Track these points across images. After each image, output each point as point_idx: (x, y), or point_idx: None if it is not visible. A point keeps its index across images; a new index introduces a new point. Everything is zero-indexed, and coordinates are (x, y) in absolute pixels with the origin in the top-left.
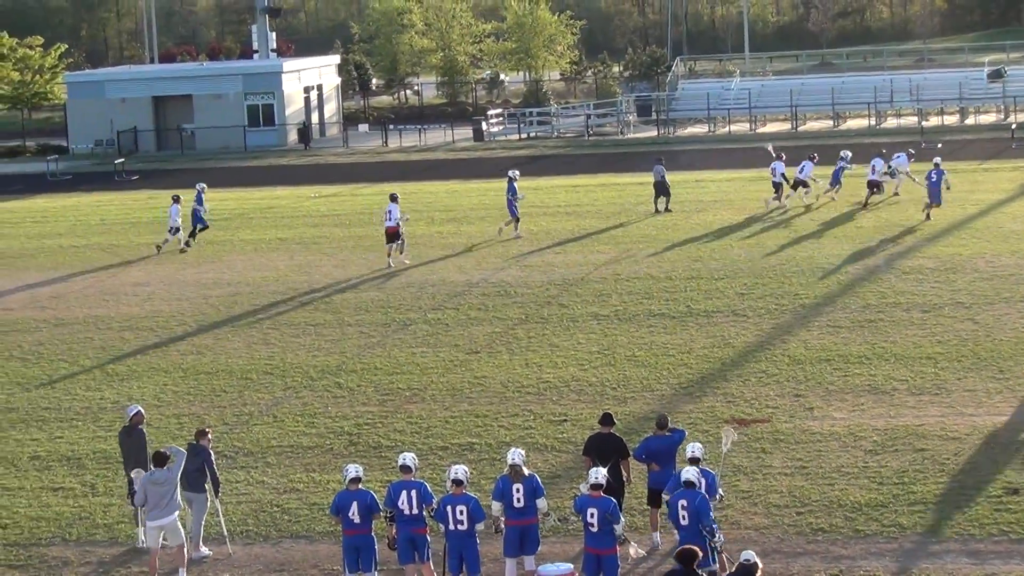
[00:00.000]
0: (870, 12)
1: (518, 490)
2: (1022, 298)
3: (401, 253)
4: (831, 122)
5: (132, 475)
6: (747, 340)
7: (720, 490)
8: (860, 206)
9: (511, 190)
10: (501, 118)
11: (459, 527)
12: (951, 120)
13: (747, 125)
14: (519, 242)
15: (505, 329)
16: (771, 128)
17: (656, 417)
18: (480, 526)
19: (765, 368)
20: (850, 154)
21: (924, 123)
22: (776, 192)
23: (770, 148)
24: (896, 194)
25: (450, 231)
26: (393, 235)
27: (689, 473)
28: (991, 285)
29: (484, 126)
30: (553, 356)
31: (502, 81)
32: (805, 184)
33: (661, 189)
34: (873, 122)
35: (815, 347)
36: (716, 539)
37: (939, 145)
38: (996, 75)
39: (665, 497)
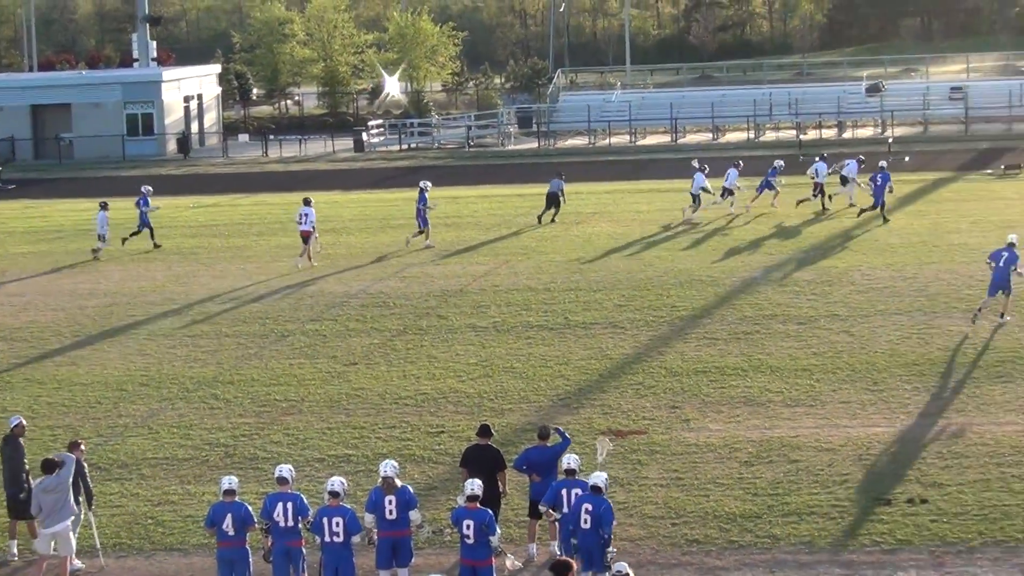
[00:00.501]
0: (750, 26)
1: (390, 502)
2: (897, 311)
3: (311, 258)
4: (711, 135)
5: (33, 485)
6: (624, 352)
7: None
8: (821, 211)
9: (422, 200)
10: (382, 129)
11: (335, 539)
12: (829, 134)
13: (627, 137)
14: (423, 252)
15: (383, 340)
16: (651, 140)
17: (537, 428)
18: (356, 538)
19: (642, 380)
20: (783, 163)
21: (802, 136)
22: (694, 203)
23: (695, 163)
24: (852, 204)
25: (328, 242)
26: (306, 238)
27: (597, 479)
28: (866, 298)
29: (365, 137)
30: (431, 367)
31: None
32: (731, 192)
33: (552, 201)
34: (752, 135)
35: (692, 359)
36: (610, 551)
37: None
38: (874, 89)
39: (542, 508)
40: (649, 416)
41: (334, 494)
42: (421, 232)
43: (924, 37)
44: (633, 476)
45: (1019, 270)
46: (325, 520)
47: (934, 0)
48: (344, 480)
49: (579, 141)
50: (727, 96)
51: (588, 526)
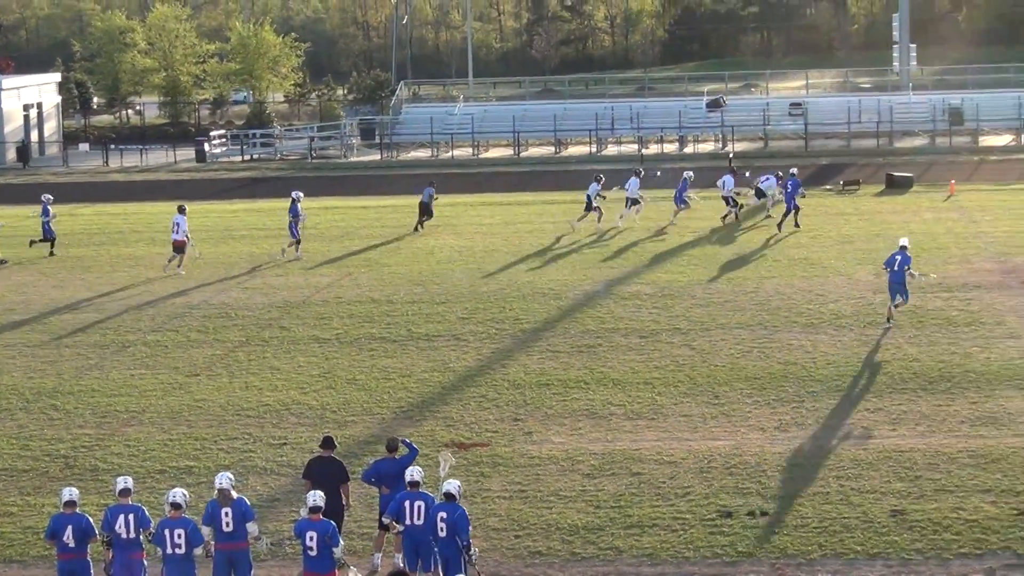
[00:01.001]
0: (592, 40)
1: (227, 514)
2: (737, 324)
3: (179, 265)
4: (553, 148)
5: None
6: (467, 364)
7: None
8: (724, 222)
9: (293, 211)
10: (224, 139)
11: (177, 551)
12: (671, 148)
13: (470, 150)
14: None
15: (226, 352)
16: (493, 154)
17: (385, 440)
18: (198, 550)
19: (485, 392)
20: (692, 175)
21: (644, 151)
22: (596, 213)
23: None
24: (769, 216)
25: (169, 253)
26: (180, 247)
27: (450, 486)
28: (707, 311)
29: (207, 147)
30: (273, 379)
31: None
32: (636, 202)
33: (424, 210)
34: (594, 149)
35: (535, 371)
36: (472, 553)
37: (658, 173)
38: (715, 104)
39: (386, 520)
40: (492, 428)
41: (176, 506)
42: (297, 242)
43: (764, 53)
44: (476, 488)
45: (912, 272)
46: (167, 532)
47: (774, 17)
48: (186, 492)
49: (422, 153)
50: (569, 110)
51: (444, 534)
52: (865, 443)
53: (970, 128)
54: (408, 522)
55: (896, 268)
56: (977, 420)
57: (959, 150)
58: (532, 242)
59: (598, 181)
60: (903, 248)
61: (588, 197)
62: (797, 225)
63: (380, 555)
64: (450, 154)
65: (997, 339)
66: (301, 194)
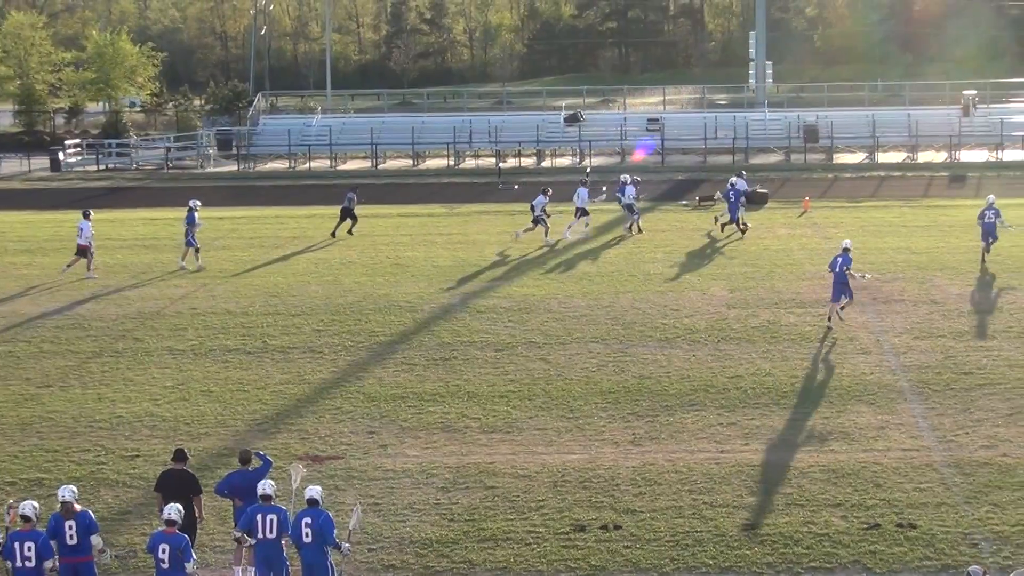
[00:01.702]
0: (451, 54)
1: (71, 527)
2: (592, 338)
3: (88, 269)
4: (411, 161)
5: None
6: (323, 377)
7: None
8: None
9: (190, 219)
10: (79, 148)
11: (27, 564)
12: (528, 162)
13: (328, 162)
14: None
15: (78, 363)
16: (351, 166)
17: (238, 452)
18: (49, 563)
19: (340, 405)
20: (606, 188)
21: (501, 164)
22: (533, 226)
23: (515, 187)
24: (631, 229)
25: (24, 262)
26: (83, 251)
27: (312, 491)
28: (563, 325)
29: (61, 156)
30: (127, 391)
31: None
32: (585, 212)
33: (346, 214)
34: (452, 162)
35: (390, 384)
36: (346, 547)
37: (516, 187)
38: (573, 119)
39: (237, 534)
40: (347, 441)
41: (26, 518)
42: (196, 250)
43: (622, 69)
44: (330, 502)
45: (852, 272)
46: (16, 545)
47: (632, 33)
48: (36, 504)
49: (279, 165)
50: (427, 123)
51: (311, 540)
52: (718, 457)
53: (824, 146)
54: (260, 535)
55: (838, 269)
56: (829, 435)
57: (813, 167)
58: (389, 254)
59: (545, 194)
60: (845, 250)
61: (532, 207)
62: (743, 231)
63: (240, 569)
64: (307, 166)
65: (849, 355)
66: (199, 203)
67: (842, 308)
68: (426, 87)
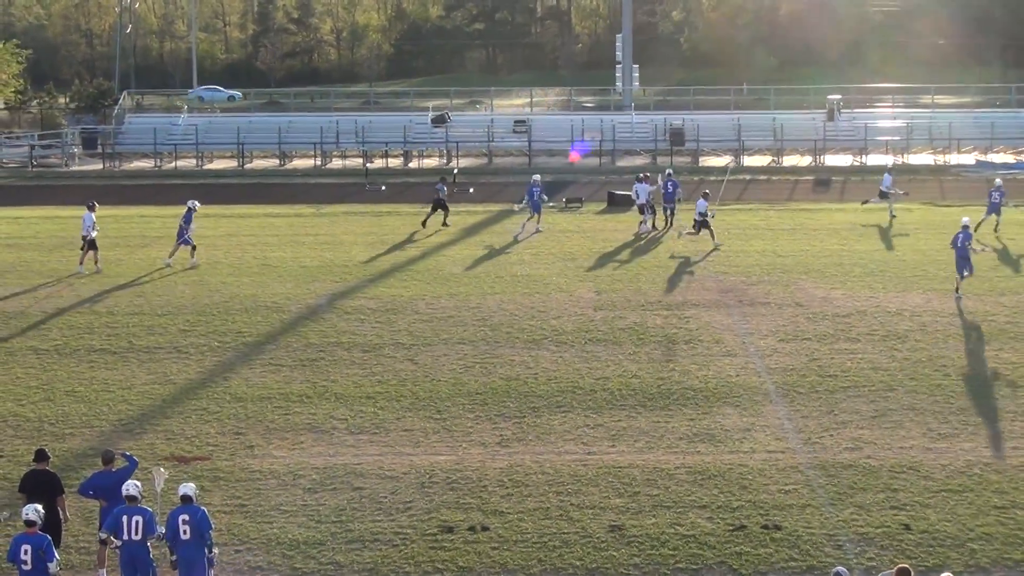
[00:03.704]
0: (318, 53)
1: None
2: (460, 340)
3: (95, 262)
4: (278, 160)
5: None
6: (189, 377)
7: (160, 528)
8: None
9: (187, 219)
10: None
11: None
12: (395, 163)
13: (194, 161)
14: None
15: None
16: (217, 165)
17: (101, 453)
18: None
19: (206, 405)
20: (539, 178)
21: (369, 165)
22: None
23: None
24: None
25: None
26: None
27: (187, 489)
28: (430, 326)
29: None
30: None
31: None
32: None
33: (439, 205)
34: (319, 162)
35: (257, 385)
36: (213, 553)
37: (383, 187)
38: (440, 120)
39: (103, 535)
40: (213, 442)
41: None
42: (178, 249)
43: (489, 70)
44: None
45: (973, 247)
46: None
47: (499, 35)
48: None
49: (145, 163)
50: (294, 122)
51: (188, 536)
52: (585, 459)
53: (691, 148)
54: (125, 537)
55: (959, 244)
56: (694, 437)
57: (679, 170)
58: (255, 255)
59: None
60: (965, 227)
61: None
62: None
63: (104, 570)
64: (173, 165)
65: (715, 357)
66: (197, 203)
67: (963, 279)
68: (293, 87)
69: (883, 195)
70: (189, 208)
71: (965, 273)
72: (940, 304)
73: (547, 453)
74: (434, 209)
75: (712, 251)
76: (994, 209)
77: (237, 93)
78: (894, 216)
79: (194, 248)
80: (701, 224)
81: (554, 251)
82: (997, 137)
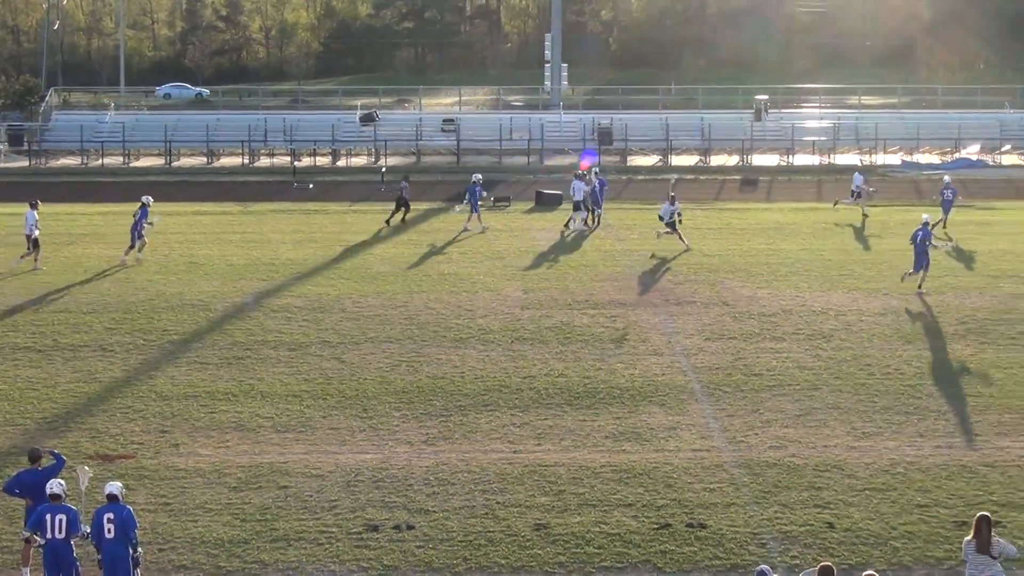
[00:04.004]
0: (247, 51)
1: None
2: (387, 338)
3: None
4: (205, 158)
5: None
6: (114, 375)
7: (84, 527)
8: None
9: (143, 214)
10: None
11: None
12: (323, 161)
13: (121, 159)
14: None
15: None
16: (145, 163)
17: (28, 451)
18: None
19: (131, 403)
20: (480, 177)
21: (297, 163)
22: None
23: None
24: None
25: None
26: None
27: (112, 487)
28: (357, 325)
29: None
30: None
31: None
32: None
33: (401, 204)
34: (247, 160)
35: (182, 383)
36: (138, 552)
37: (310, 186)
38: (368, 119)
39: (26, 534)
40: (138, 440)
41: None
42: (132, 247)
43: (418, 69)
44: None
45: (932, 243)
46: None
47: (428, 33)
48: None
49: (72, 161)
50: (222, 120)
51: (113, 535)
52: (511, 457)
53: (619, 148)
54: (49, 535)
55: (919, 241)
56: (620, 435)
57: (607, 169)
58: (182, 252)
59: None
60: (925, 223)
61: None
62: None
63: (28, 569)
64: (100, 162)
65: (641, 356)
66: (151, 199)
67: (914, 275)
68: (221, 84)
69: (855, 194)
70: (143, 204)
71: (923, 270)
72: (865, 303)
73: (473, 452)
74: (397, 207)
75: (684, 251)
76: (948, 207)
77: (205, 91)
78: (866, 215)
79: (143, 244)
80: (670, 225)
81: (481, 250)
82: (923, 138)
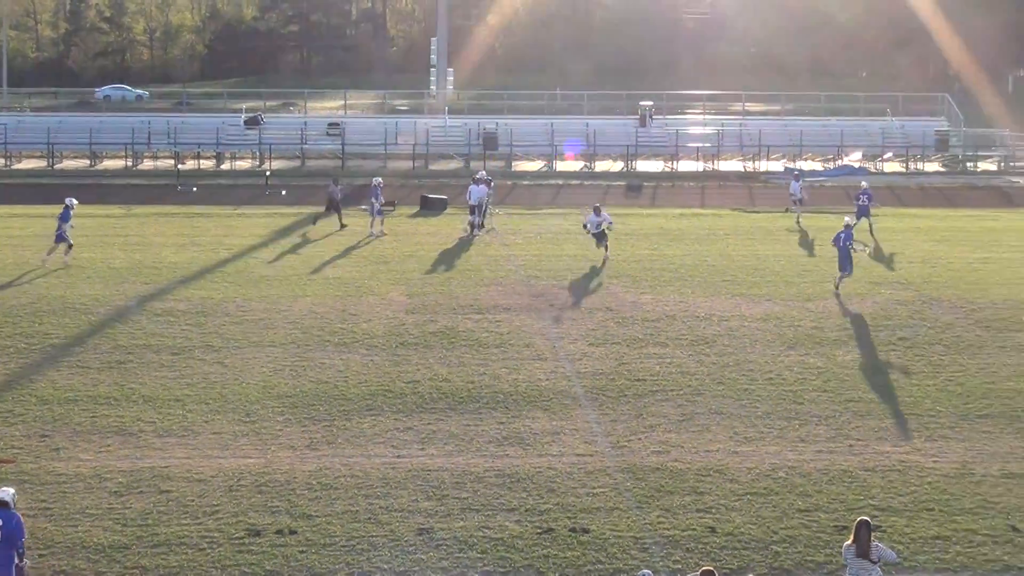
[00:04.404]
0: (131, 53)
1: None
2: (270, 342)
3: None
4: (88, 161)
5: None
6: None
7: None
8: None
9: (64, 216)
10: None
11: None
12: (208, 164)
13: (2, 160)
14: None
15: None
16: (26, 165)
17: None
18: None
19: (11, 408)
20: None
21: (181, 166)
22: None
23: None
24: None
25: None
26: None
27: (4, 494)
28: (240, 329)
29: None
30: None
31: None
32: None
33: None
34: (130, 163)
35: (63, 387)
36: (24, 563)
37: (194, 189)
38: (253, 122)
39: None
40: (18, 445)
41: None
42: (56, 249)
43: (303, 72)
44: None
45: (853, 246)
46: None
47: (314, 37)
48: None
49: None
50: (106, 123)
51: None
52: (395, 462)
53: (504, 153)
54: None
55: (842, 244)
56: (504, 440)
57: (493, 174)
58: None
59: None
60: (847, 226)
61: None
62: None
63: None
64: None
65: (525, 361)
66: (75, 201)
67: (843, 277)
68: (105, 86)
69: (797, 202)
70: (67, 206)
71: (845, 272)
72: (748, 309)
73: (356, 456)
74: (327, 210)
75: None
76: (864, 212)
77: (145, 92)
78: (799, 223)
79: (70, 247)
80: (598, 236)
81: (366, 254)
82: (806, 144)
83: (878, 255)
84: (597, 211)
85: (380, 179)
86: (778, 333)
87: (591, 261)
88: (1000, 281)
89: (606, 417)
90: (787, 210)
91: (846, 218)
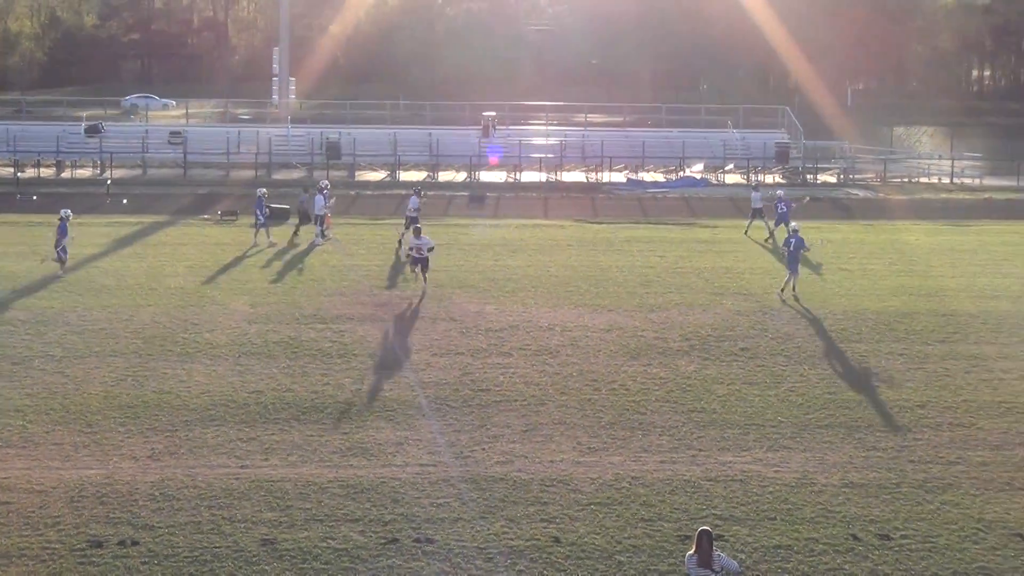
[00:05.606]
0: None
1: None
2: (112, 352)
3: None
4: None
5: None
6: None
7: None
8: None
9: (62, 229)
10: None
11: None
12: (48, 172)
13: None
14: None
15: None
16: None
17: None
18: None
19: None
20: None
21: (20, 174)
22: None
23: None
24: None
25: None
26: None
27: None
28: (82, 339)
29: None
30: None
31: None
32: (322, 220)
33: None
34: None
35: None
36: None
37: (34, 197)
38: (94, 130)
39: None
40: None
41: None
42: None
43: (145, 81)
44: None
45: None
46: None
47: (155, 45)
48: None
49: None
50: None
51: None
52: (238, 473)
53: (347, 162)
54: None
55: (792, 248)
56: (348, 450)
57: (336, 184)
58: None
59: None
60: (795, 231)
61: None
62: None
63: None
64: None
65: (369, 371)
66: (70, 212)
67: (788, 283)
68: None
69: (756, 213)
70: (62, 218)
71: (793, 276)
72: (591, 319)
73: (199, 467)
74: (301, 221)
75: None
76: (783, 219)
77: (171, 101)
78: (771, 235)
79: (62, 263)
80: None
81: (209, 264)
82: (648, 156)
83: (720, 268)
84: (417, 233)
85: (264, 189)
86: (621, 343)
87: (433, 271)
88: (840, 292)
89: (450, 427)
90: (750, 223)
91: (792, 224)
